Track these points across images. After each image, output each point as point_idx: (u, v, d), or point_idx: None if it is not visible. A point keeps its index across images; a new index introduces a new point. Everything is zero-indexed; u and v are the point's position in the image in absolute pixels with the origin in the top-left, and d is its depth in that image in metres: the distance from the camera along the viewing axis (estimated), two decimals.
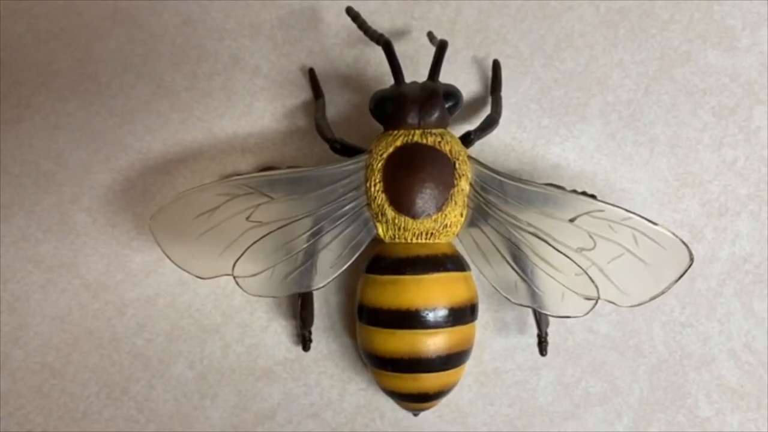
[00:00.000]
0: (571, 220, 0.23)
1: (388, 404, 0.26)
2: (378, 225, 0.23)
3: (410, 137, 0.23)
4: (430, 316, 0.22)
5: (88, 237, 0.26)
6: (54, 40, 0.27)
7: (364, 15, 0.26)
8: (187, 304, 0.26)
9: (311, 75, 0.27)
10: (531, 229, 0.23)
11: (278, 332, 0.26)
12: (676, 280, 0.23)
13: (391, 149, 0.23)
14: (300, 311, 0.25)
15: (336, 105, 0.27)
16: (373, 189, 0.23)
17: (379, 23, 0.28)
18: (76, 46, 0.27)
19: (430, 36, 0.26)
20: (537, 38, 0.28)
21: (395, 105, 0.23)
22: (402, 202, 0.23)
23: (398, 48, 0.24)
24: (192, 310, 0.26)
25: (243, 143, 0.27)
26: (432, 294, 0.22)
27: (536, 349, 0.25)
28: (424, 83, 0.24)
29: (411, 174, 0.23)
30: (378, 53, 0.27)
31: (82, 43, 0.27)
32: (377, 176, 0.23)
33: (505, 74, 0.27)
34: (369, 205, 0.23)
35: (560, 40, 0.28)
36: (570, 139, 0.27)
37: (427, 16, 0.28)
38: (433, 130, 0.23)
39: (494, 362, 0.26)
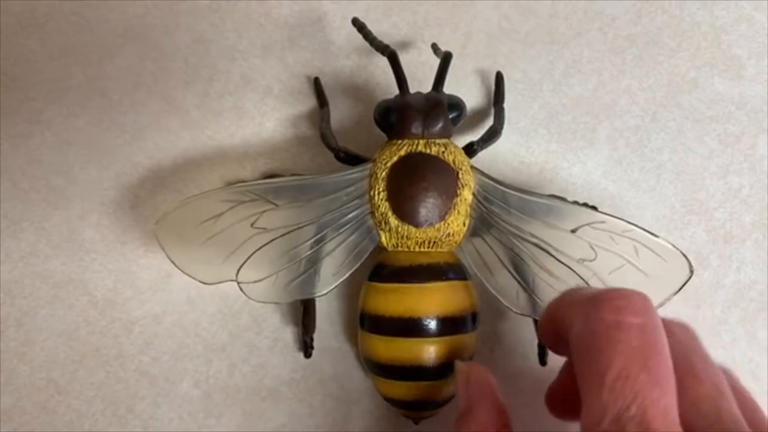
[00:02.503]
0: (573, 231, 0.23)
1: (393, 426, 0.26)
2: (381, 233, 0.24)
3: (414, 147, 0.23)
4: (432, 325, 0.22)
5: (96, 254, 0.26)
6: (66, 57, 0.27)
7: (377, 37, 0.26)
8: (194, 322, 0.26)
9: (316, 84, 0.27)
10: (533, 240, 0.23)
11: (284, 352, 0.26)
12: (676, 292, 0.23)
13: (395, 158, 0.23)
14: (302, 318, 0.25)
15: (341, 115, 0.27)
16: (377, 197, 0.23)
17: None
18: (88, 62, 0.27)
19: (435, 47, 0.26)
20: (546, 64, 0.28)
21: (400, 115, 0.24)
22: (405, 211, 0.23)
23: (403, 60, 0.24)
24: (199, 328, 0.26)
25: (253, 163, 0.27)
26: (434, 302, 0.23)
27: (536, 358, 0.25)
28: (428, 94, 0.24)
29: (414, 183, 0.23)
30: (381, 65, 0.27)
31: (94, 60, 0.27)
32: (381, 185, 0.23)
33: (513, 99, 0.28)
34: (372, 213, 0.24)
35: (569, 66, 0.28)
36: (577, 164, 0.28)
37: (437, 40, 0.28)
38: (437, 140, 0.24)
39: (495, 371, 0.26)
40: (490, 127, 0.26)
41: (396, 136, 0.24)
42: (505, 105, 0.27)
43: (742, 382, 0.20)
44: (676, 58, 0.28)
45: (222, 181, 0.27)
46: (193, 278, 0.23)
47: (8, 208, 0.26)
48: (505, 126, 0.26)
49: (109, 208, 0.27)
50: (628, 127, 0.28)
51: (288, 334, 0.26)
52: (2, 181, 0.27)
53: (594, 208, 0.25)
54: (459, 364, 0.22)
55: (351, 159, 0.25)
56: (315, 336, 0.26)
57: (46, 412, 0.26)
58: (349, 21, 0.26)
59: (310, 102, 0.28)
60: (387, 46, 0.24)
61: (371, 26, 0.27)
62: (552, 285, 0.23)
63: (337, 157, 0.25)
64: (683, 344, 0.19)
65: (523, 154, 0.28)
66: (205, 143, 0.27)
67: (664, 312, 0.19)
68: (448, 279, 0.23)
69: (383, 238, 0.24)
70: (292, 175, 0.26)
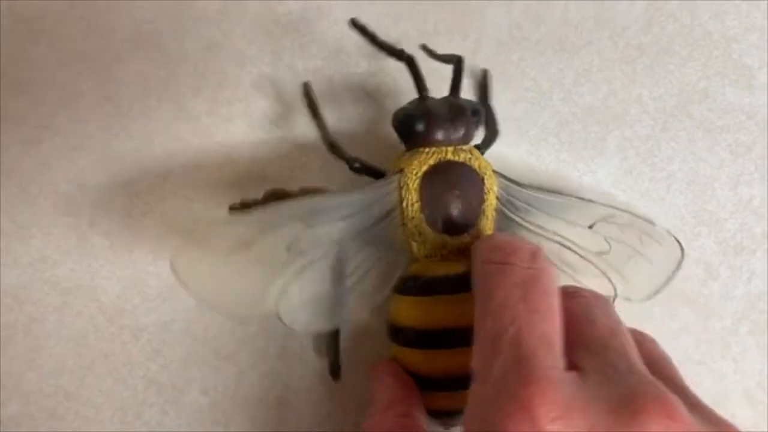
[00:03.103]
0: (590, 227, 0.24)
1: None
2: (414, 244, 0.23)
3: (443, 155, 0.23)
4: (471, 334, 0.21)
5: (105, 260, 0.26)
6: (75, 63, 0.27)
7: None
8: (203, 330, 0.26)
9: (306, 90, 0.26)
10: (556, 238, 0.24)
11: (293, 360, 0.26)
12: (674, 273, 0.24)
13: (425, 168, 0.23)
14: (330, 341, 0.25)
15: (350, 122, 0.27)
16: (410, 208, 0.23)
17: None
18: (98, 68, 0.27)
19: (429, 51, 0.25)
20: (556, 72, 0.28)
21: (426, 123, 0.23)
22: (439, 220, 0.23)
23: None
24: (207, 336, 0.26)
25: (262, 170, 0.27)
26: (472, 310, 0.21)
27: None
28: (449, 99, 0.24)
29: (447, 191, 0.23)
30: (391, 72, 0.27)
31: (104, 66, 0.27)
32: (414, 195, 0.23)
33: (523, 107, 0.28)
34: (404, 225, 0.23)
35: (579, 75, 0.28)
36: (588, 173, 0.28)
37: (448, 49, 0.28)
38: (463, 147, 0.23)
39: None
40: (488, 130, 0.26)
41: (421, 144, 0.23)
42: (515, 114, 0.27)
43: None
44: (686, 67, 0.28)
45: (231, 188, 0.27)
46: (228, 316, 0.22)
47: (17, 214, 0.26)
48: (515, 134, 0.26)
49: (118, 214, 0.27)
50: (638, 137, 0.28)
51: (295, 342, 0.26)
52: (11, 186, 0.27)
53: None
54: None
55: (365, 169, 0.25)
56: (325, 339, 0.25)
57: (54, 419, 0.26)
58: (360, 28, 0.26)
59: (320, 109, 0.27)
60: (402, 51, 0.24)
61: (382, 34, 0.27)
62: (577, 280, 0.24)
63: (351, 168, 0.25)
64: (591, 305, 0.20)
65: (533, 163, 0.28)
66: (215, 150, 0.27)
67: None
68: None
69: (415, 249, 0.23)
70: (300, 188, 0.25)
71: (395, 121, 0.24)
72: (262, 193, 0.25)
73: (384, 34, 0.28)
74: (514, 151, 0.27)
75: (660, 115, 0.28)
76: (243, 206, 0.25)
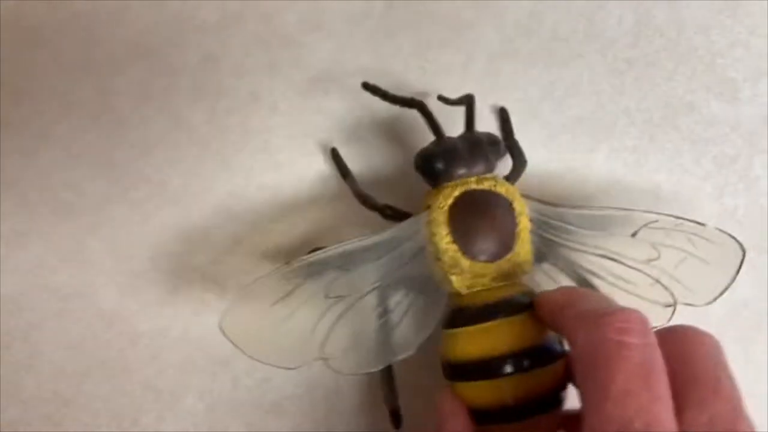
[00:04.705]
0: (633, 235, 0.24)
1: None
2: (453, 277, 0.23)
3: (467, 186, 0.23)
4: (530, 357, 0.21)
5: (103, 267, 0.27)
6: (75, 72, 0.28)
7: (379, 60, 0.27)
8: (199, 336, 0.27)
9: (334, 155, 0.27)
10: (600, 252, 0.24)
11: None
12: (737, 271, 0.24)
13: (451, 200, 0.23)
14: (384, 386, 0.25)
15: (346, 128, 0.28)
16: (441, 243, 0.23)
17: (393, 68, 0.28)
18: (98, 78, 0.28)
19: (444, 99, 0.26)
20: (546, 84, 0.29)
21: (445, 161, 0.24)
22: (476, 249, 0.23)
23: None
24: (203, 342, 0.27)
25: (259, 178, 0.27)
26: (526, 334, 0.22)
27: None
28: (465, 135, 0.24)
29: (479, 219, 0.23)
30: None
31: (104, 76, 0.28)
32: (444, 229, 0.23)
33: (514, 119, 0.28)
34: (439, 259, 0.23)
35: (568, 87, 0.29)
36: (576, 183, 0.28)
37: (439, 61, 0.29)
38: (486, 176, 0.24)
39: None
40: (515, 161, 0.26)
41: (443, 181, 0.24)
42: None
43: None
44: (673, 80, 0.29)
45: (228, 197, 0.27)
46: (278, 367, 0.22)
47: (16, 221, 0.27)
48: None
49: (116, 222, 0.27)
50: (626, 148, 0.29)
51: None
52: (11, 194, 0.27)
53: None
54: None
55: (398, 215, 0.25)
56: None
57: (52, 425, 0.26)
58: (355, 38, 0.26)
59: (316, 117, 0.28)
60: (412, 99, 0.24)
61: (375, 48, 0.27)
62: (628, 290, 0.24)
63: (384, 216, 0.25)
64: (710, 355, 0.20)
65: (522, 174, 0.28)
66: (212, 158, 0.28)
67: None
68: (531, 308, 0.22)
69: (455, 282, 0.23)
70: (337, 244, 0.25)
71: (416, 164, 0.25)
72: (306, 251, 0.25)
73: (378, 48, 0.28)
74: (502, 163, 0.27)
75: (647, 127, 0.29)
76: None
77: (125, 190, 0.27)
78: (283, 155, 0.28)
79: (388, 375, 0.25)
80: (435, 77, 0.28)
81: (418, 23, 0.29)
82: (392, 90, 0.25)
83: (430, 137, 0.25)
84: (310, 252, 0.23)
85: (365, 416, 0.27)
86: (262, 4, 0.28)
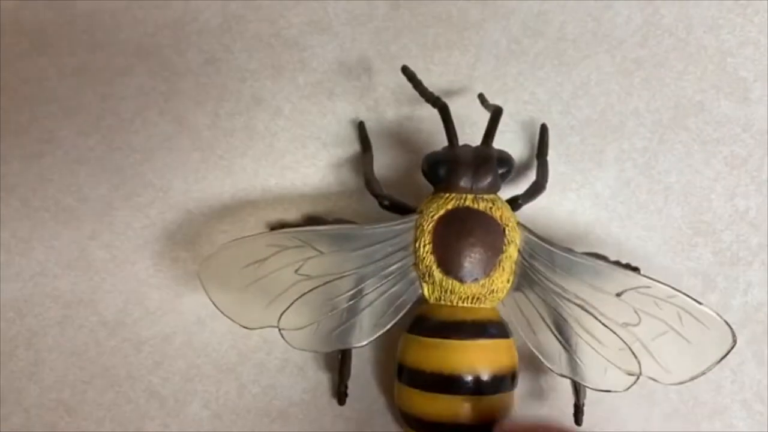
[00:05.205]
0: (618, 295, 0.23)
1: None
2: (424, 285, 0.23)
3: (462, 201, 0.23)
4: (473, 382, 0.22)
5: (106, 273, 0.26)
6: (77, 76, 0.27)
7: (386, 59, 0.26)
8: (204, 343, 0.26)
9: (361, 128, 0.27)
10: (578, 301, 0.23)
11: (294, 373, 0.26)
12: (718, 361, 0.22)
13: (442, 212, 0.23)
14: (340, 366, 0.25)
15: (345, 128, 0.28)
16: (422, 249, 0.23)
17: (399, 69, 0.28)
18: (99, 82, 0.27)
19: (482, 99, 0.25)
20: (554, 85, 0.28)
21: (449, 168, 0.23)
22: (450, 265, 0.23)
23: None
24: (208, 349, 0.26)
25: (263, 183, 0.27)
26: (476, 360, 0.22)
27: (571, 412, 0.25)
28: (478, 148, 0.24)
29: (461, 238, 0.23)
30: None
31: (105, 80, 0.28)
32: (427, 237, 0.23)
33: (521, 120, 0.28)
34: (417, 265, 0.23)
35: (577, 88, 0.28)
36: (585, 185, 0.28)
37: (447, 62, 0.28)
38: (485, 196, 0.23)
39: None
40: (534, 182, 0.26)
41: (444, 189, 0.24)
42: (514, 127, 0.27)
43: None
44: (682, 80, 0.29)
45: (231, 200, 0.27)
46: (235, 322, 0.23)
47: (18, 227, 0.26)
48: (513, 148, 0.26)
49: (119, 227, 0.27)
50: (635, 149, 0.28)
51: (297, 355, 0.26)
52: (12, 200, 0.27)
53: (637, 269, 0.26)
54: (498, 425, 0.22)
55: (395, 207, 0.25)
56: (326, 354, 0.26)
57: None
58: (360, 40, 0.26)
59: (320, 122, 0.28)
60: (438, 98, 0.24)
61: (380, 49, 0.27)
62: (595, 348, 0.23)
63: (381, 205, 0.25)
64: None
65: (530, 176, 0.28)
66: (216, 163, 0.27)
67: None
68: (491, 336, 0.23)
69: (426, 291, 0.23)
70: (335, 219, 0.26)
71: (423, 164, 0.24)
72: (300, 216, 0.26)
73: (385, 48, 0.28)
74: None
75: (657, 128, 0.28)
76: (281, 227, 0.26)
77: (128, 196, 0.27)
78: (288, 158, 0.27)
79: (346, 356, 0.25)
80: (441, 78, 0.28)
81: (424, 24, 0.28)
82: (399, 92, 0.25)
83: (435, 142, 0.24)
84: (307, 219, 0.24)
85: (371, 423, 0.26)
86: (265, 6, 0.28)
